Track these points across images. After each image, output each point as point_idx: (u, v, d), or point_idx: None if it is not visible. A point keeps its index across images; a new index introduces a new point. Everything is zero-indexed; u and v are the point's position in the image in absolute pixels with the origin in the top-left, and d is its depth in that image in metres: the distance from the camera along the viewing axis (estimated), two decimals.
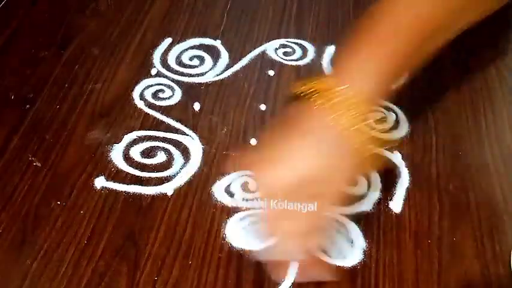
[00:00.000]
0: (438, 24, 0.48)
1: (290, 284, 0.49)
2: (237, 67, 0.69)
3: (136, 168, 0.58)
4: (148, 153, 0.59)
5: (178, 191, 0.56)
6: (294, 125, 0.46)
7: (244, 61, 0.70)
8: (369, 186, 0.56)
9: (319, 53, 0.71)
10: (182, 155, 0.59)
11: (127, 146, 0.60)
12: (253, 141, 0.60)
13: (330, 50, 0.71)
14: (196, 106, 0.64)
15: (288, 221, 0.46)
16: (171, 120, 0.63)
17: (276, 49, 0.72)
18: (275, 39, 0.73)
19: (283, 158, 0.45)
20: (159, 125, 0.62)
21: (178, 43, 0.72)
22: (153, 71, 0.68)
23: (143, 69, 0.69)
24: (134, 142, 0.60)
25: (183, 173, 0.57)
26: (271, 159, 0.46)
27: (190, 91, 0.66)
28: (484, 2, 0.51)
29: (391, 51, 0.47)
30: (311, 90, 0.46)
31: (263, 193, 0.46)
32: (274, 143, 0.47)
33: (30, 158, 0.59)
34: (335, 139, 0.45)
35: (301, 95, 0.46)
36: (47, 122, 0.62)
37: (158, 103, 0.64)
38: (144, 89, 0.66)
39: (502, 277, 0.39)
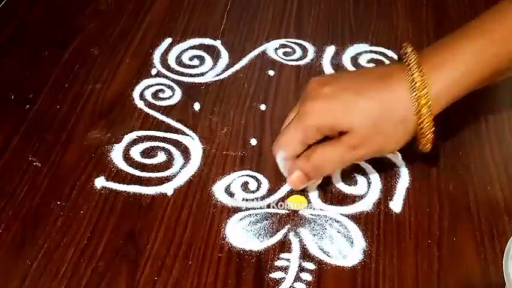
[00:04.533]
0: None
1: (290, 284, 0.49)
2: (237, 67, 0.69)
3: (136, 168, 0.58)
4: (148, 153, 0.59)
5: (178, 191, 0.56)
6: (374, 74, 0.52)
7: (244, 61, 0.70)
8: (369, 186, 0.56)
9: (319, 53, 0.71)
10: (182, 155, 0.59)
11: (127, 146, 0.60)
12: (253, 141, 0.60)
13: (330, 50, 0.71)
14: (196, 106, 0.64)
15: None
16: (171, 120, 0.63)
17: (276, 49, 0.71)
18: (275, 39, 0.73)
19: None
20: (159, 125, 0.62)
21: (178, 43, 0.72)
22: (153, 71, 0.68)
23: (143, 69, 0.68)
24: (134, 142, 0.60)
25: (183, 173, 0.57)
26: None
27: (190, 91, 0.66)
28: None
29: (490, 57, 0.49)
30: (411, 55, 0.49)
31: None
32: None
33: (30, 158, 0.59)
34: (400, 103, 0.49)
35: (402, 54, 0.50)
36: (47, 122, 0.62)
37: (158, 103, 0.64)
38: (144, 89, 0.66)
39: (502, 277, 0.39)
